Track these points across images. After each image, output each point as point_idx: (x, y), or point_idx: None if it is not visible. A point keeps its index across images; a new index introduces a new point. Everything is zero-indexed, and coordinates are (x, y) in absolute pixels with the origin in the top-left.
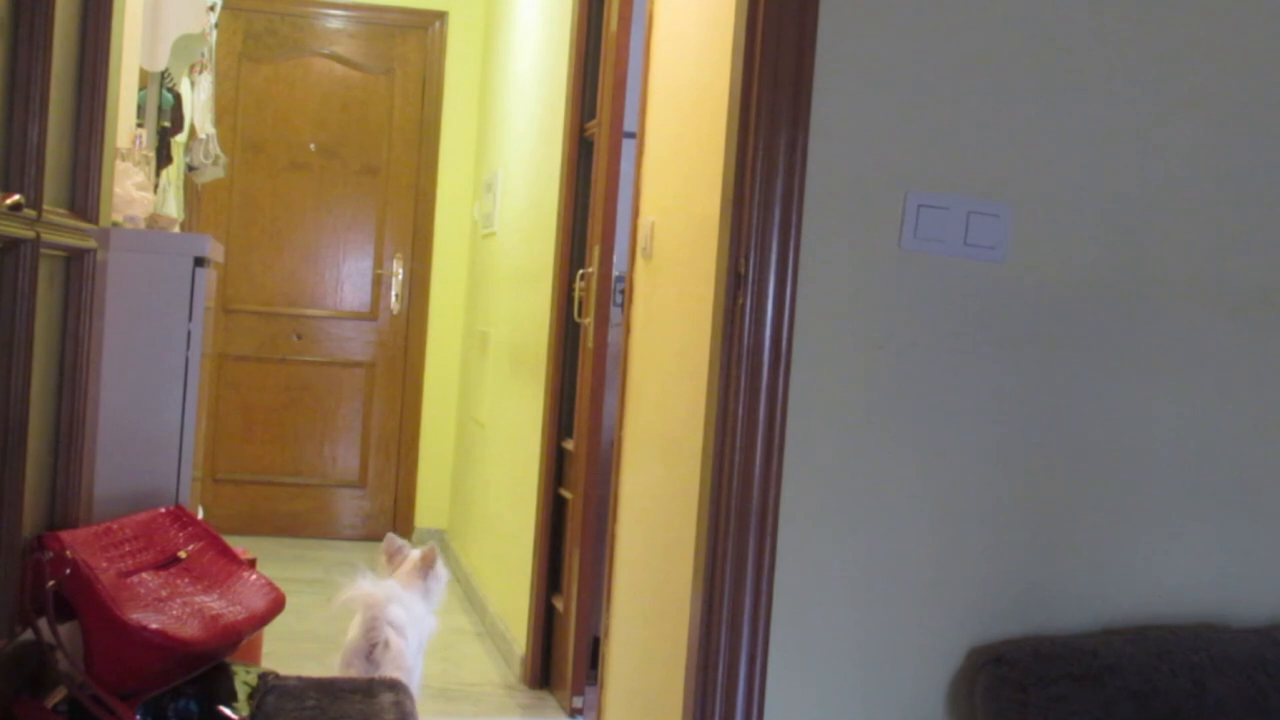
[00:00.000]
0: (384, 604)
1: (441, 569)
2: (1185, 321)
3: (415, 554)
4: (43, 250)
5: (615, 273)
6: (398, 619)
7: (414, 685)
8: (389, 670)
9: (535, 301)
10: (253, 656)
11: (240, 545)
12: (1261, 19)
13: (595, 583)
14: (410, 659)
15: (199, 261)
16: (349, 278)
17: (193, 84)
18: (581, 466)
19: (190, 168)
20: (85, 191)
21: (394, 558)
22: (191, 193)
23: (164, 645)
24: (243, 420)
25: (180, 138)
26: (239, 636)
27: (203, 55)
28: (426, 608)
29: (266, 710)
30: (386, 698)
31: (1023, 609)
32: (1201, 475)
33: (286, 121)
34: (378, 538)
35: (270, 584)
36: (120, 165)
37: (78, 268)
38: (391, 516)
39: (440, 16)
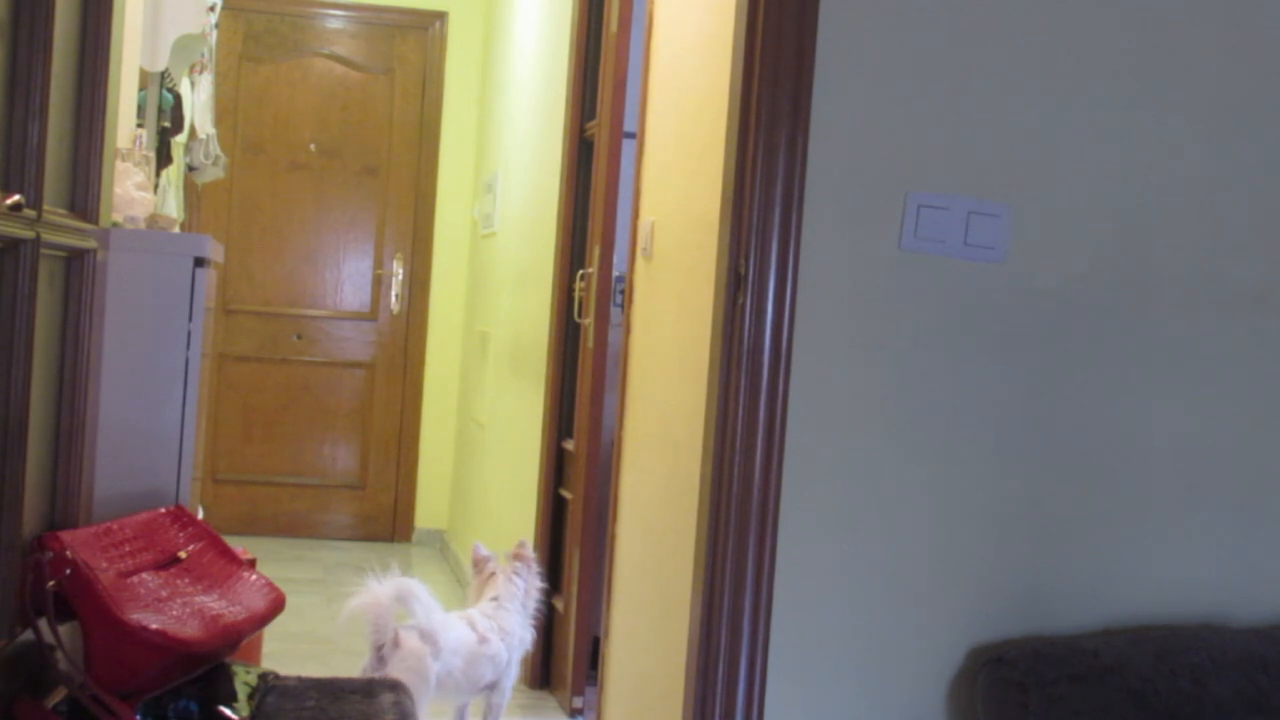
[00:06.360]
0: (387, 604)
1: (534, 565)
2: (1185, 322)
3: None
4: (43, 250)
5: (615, 273)
6: (424, 619)
7: (506, 691)
8: (399, 671)
9: (535, 301)
10: (253, 656)
11: (240, 545)
12: (1262, 20)
13: (595, 583)
14: (428, 661)
15: (199, 261)
16: (349, 278)
17: (193, 84)
18: (581, 466)
19: (190, 168)
20: (85, 191)
21: (482, 568)
22: (191, 193)
23: (164, 645)
24: (243, 420)
25: (180, 138)
26: (239, 636)
27: (203, 55)
28: (520, 615)
29: (266, 710)
30: (386, 698)
31: (1023, 609)
32: (1201, 475)
33: (286, 121)
34: (378, 538)
35: (270, 584)
36: (120, 165)
37: (78, 268)
38: (391, 517)
39: (440, 16)
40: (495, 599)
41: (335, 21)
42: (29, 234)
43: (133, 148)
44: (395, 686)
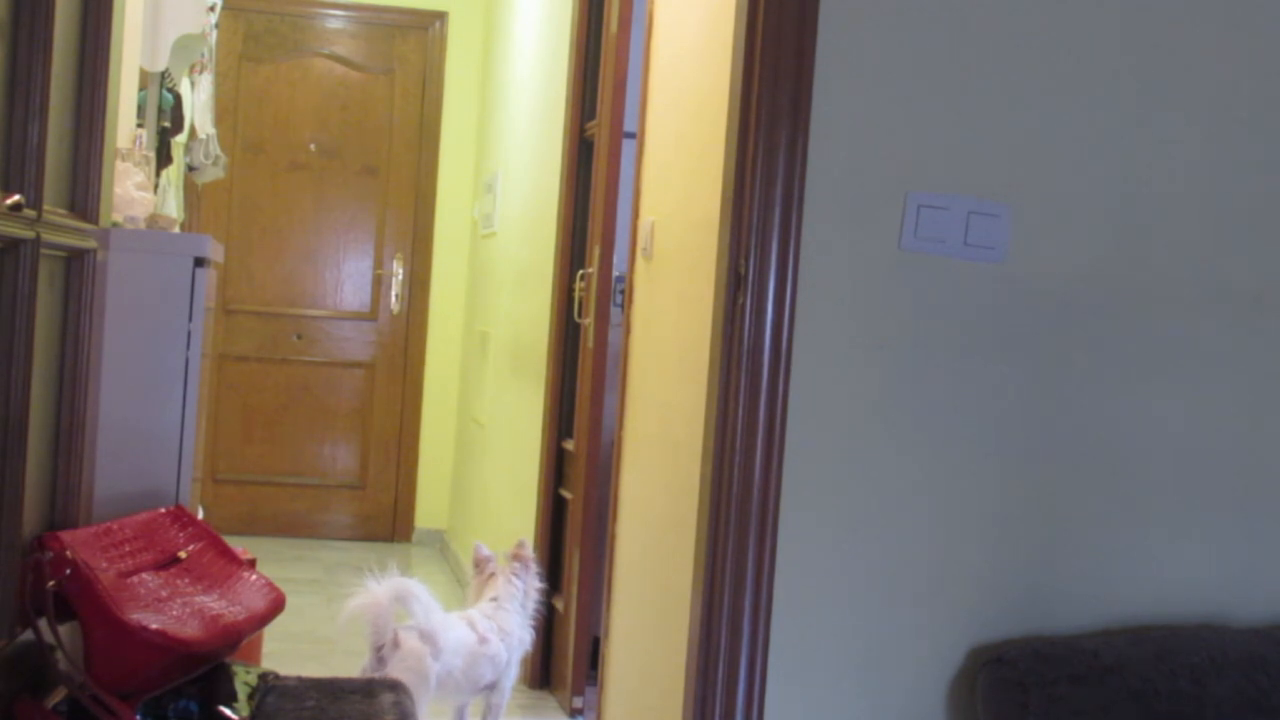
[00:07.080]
0: (386, 604)
1: (534, 566)
2: (1185, 322)
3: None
4: (43, 250)
5: (615, 273)
6: (424, 619)
7: (506, 691)
8: (399, 671)
9: (535, 301)
10: (253, 656)
11: (240, 545)
12: (1262, 20)
13: (595, 583)
14: (427, 661)
15: (199, 261)
16: (349, 278)
17: (193, 84)
18: (581, 466)
19: (190, 168)
20: (85, 191)
21: (483, 568)
22: (191, 193)
23: (164, 645)
24: (243, 420)
25: (180, 138)
26: (239, 636)
27: (203, 55)
28: (520, 615)
29: (266, 710)
30: (386, 698)
31: (1023, 609)
32: (1201, 475)
33: (286, 121)
34: (378, 538)
35: (270, 584)
36: (120, 165)
37: (78, 268)
38: (391, 517)
39: (440, 16)
40: (495, 599)
41: (335, 21)
42: (29, 234)
43: (133, 148)
44: (395, 686)
